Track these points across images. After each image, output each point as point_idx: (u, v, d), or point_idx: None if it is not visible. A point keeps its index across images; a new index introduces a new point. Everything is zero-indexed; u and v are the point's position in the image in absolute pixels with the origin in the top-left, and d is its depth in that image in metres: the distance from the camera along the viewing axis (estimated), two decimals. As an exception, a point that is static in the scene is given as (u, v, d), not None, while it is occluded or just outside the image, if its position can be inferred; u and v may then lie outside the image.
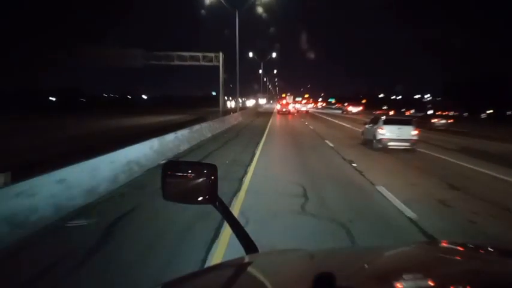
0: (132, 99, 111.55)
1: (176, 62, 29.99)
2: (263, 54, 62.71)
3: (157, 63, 30.23)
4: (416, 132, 13.12)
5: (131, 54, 30.42)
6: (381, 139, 13.04)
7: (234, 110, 36.77)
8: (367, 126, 15.03)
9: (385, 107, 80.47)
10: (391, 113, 38.72)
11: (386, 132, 13.01)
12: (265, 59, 61.86)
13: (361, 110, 65.67)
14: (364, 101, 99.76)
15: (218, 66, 30.06)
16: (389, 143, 12.94)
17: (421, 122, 29.37)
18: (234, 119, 26.52)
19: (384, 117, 13.73)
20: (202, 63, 30.18)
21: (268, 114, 47.03)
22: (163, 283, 1.02)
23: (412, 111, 52.44)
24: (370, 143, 13.85)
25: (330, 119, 40.69)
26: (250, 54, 55.45)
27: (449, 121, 27.31)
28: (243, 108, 57.95)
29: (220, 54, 29.86)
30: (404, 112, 54.67)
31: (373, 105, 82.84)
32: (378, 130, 13.21)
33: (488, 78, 58.77)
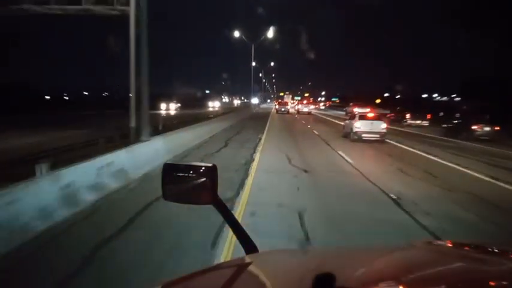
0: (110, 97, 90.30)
1: (15, 6, 11.69)
2: (256, 39, 45.01)
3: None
4: (385, 126, 16.19)
5: None
6: (356, 131, 15.87)
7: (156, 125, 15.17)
8: (347, 121, 18.04)
9: (398, 108, 66.37)
10: (408, 114, 36.93)
11: (361, 126, 15.86)
12: (257, 41, 44.15)
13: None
14: (378, 101, 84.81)
15: (128, 17, 11.78)
16: (363, 135, 15.73)
17: (454, 130, 22.27)
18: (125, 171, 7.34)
19: (359, 114, 16.88)
20: (87, 6, 12.03)
21: (261, 122, 28.50)
22: (163, 283, 0.98)
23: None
24: (348, 135, 16.67)
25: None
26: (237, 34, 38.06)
27: (495, 128, 21.41)
28: (217, 115, 32.45)
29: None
30: (426, 115, 38.14)
31: (385, 106, 68.25)
32: (354, 124, 16.06)
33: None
